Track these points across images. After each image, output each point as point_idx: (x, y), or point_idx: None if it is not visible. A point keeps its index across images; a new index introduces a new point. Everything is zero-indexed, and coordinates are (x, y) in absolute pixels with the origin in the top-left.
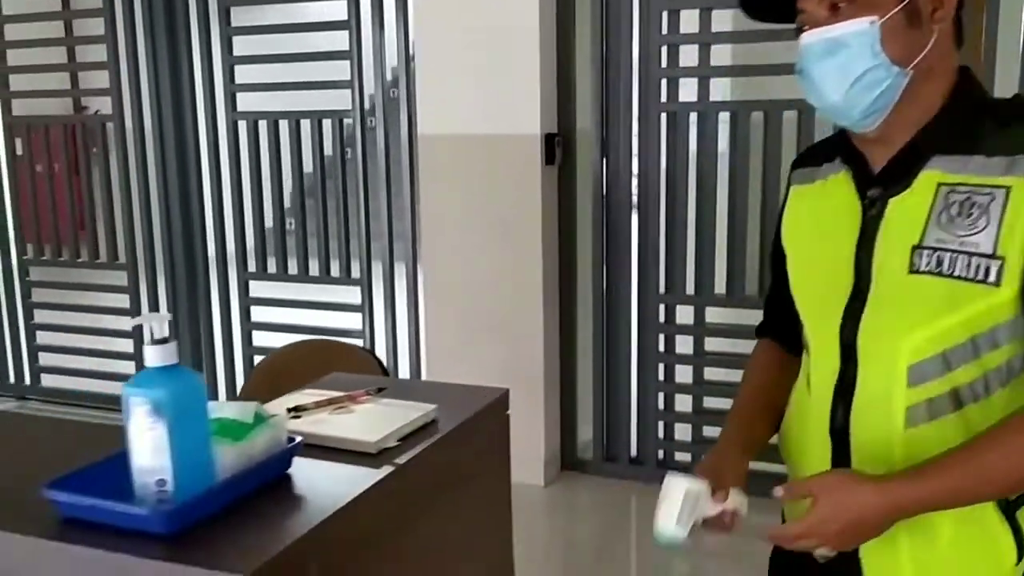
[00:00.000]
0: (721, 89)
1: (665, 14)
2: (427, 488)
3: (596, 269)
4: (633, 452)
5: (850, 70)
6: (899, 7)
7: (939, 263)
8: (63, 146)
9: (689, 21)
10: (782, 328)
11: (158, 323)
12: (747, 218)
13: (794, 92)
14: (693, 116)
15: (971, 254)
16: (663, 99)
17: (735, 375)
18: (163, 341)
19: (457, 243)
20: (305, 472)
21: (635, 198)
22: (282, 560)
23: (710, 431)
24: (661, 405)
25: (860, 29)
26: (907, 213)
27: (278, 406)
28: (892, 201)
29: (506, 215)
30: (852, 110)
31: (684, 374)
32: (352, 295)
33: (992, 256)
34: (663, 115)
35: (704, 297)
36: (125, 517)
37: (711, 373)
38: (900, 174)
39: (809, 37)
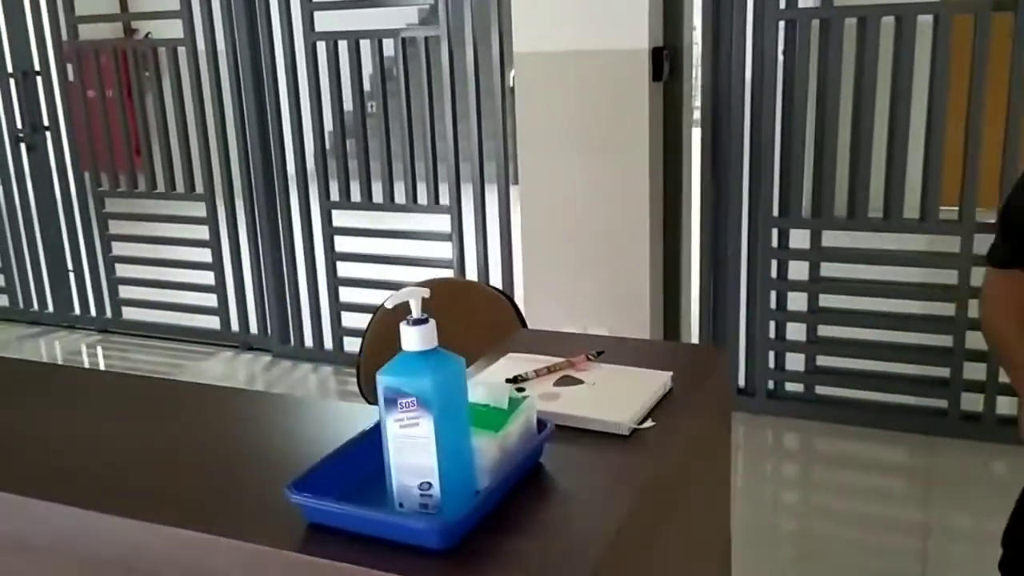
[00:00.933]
0: None
1: None
2: (681, 471)
3: (705, 191)
4: (741, 383)
5: None
6: None
7: None
8: (115, 71)
9: None
10: None
11: (415, 300)
12: (872, 136)
13: None
14: (815, 24)
15: None
16: (781, 5)
17: (852, 302)
18: (423, 321)
19: (556, 166)
20: (555, 461)
21: (748, 115)
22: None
23: (824, 360)
24: (772, 334)
25: None
26: None
27: (490, 375)
28: None
29: (609, 136)
30: None
31: (798, 302)
32: (440, 223)
33: None
34: (781, 23)
35: (822, 220)
36: (394, 529)
37: (827, 300)
38: None
39: None
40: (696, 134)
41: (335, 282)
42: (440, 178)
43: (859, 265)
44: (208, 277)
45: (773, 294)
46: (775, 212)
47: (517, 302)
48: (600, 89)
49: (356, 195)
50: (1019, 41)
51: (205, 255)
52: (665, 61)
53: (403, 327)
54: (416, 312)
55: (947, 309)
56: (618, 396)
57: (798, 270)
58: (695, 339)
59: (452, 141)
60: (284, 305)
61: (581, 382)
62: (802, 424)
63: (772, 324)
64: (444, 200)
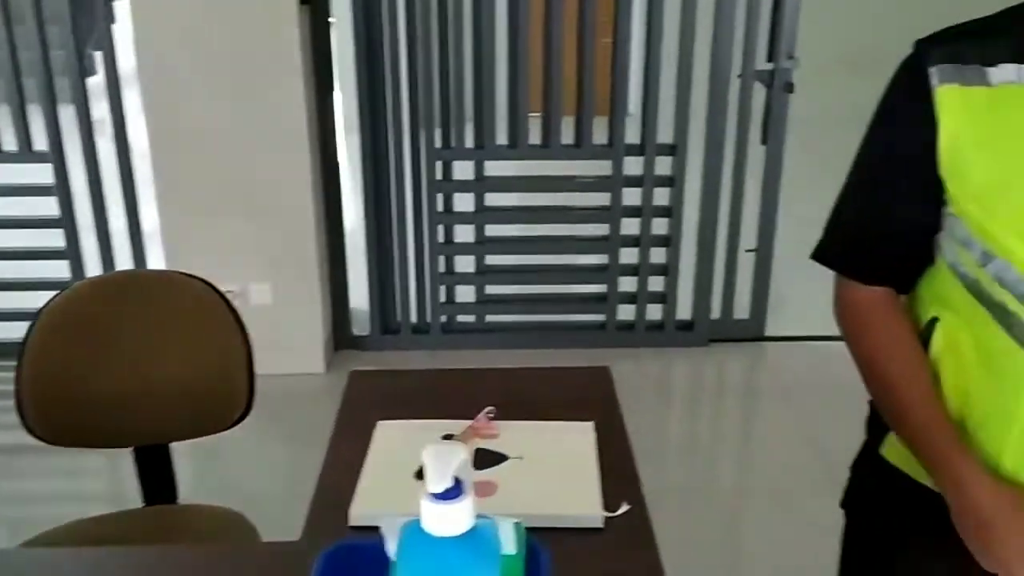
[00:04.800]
0: None
1: None
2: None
3: (363, 127)
4: (413, 319)
5: None
6: None
7: None
8: None
9: None
10: (900, 265)
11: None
12: (528, 63)
13: None
14: None
15: None
16: None
17: (516, 229)
18: (455, 492)
19: (194, 105)
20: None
21: (404, 45)
22: None
23: (493, 289)
24: (442, 268)
25: None
26: None
27: (390, 467)
28: None
29: (256, 68)
30: None
31: (465, 233)
32: (40, 175)
33: None
34: None
35: (485, 151)
36: None
37: (492, 230)
38: None
39: None
40: (348, 65)
41: None
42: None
43: (518, 194)
44: None
45: (440, 228)
46: (438, 144)
47: (159, 260)
48: (242, 17)
49: None
50: None
51: None
52: None
53: (425, 503)
54: (446, 478)
55: (602, 229)
56: (561, 471)
57: (461, 202)
58: (364, 282)
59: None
60: None
61: (504, 456)
62: (477, 354)
63: (441, 259)
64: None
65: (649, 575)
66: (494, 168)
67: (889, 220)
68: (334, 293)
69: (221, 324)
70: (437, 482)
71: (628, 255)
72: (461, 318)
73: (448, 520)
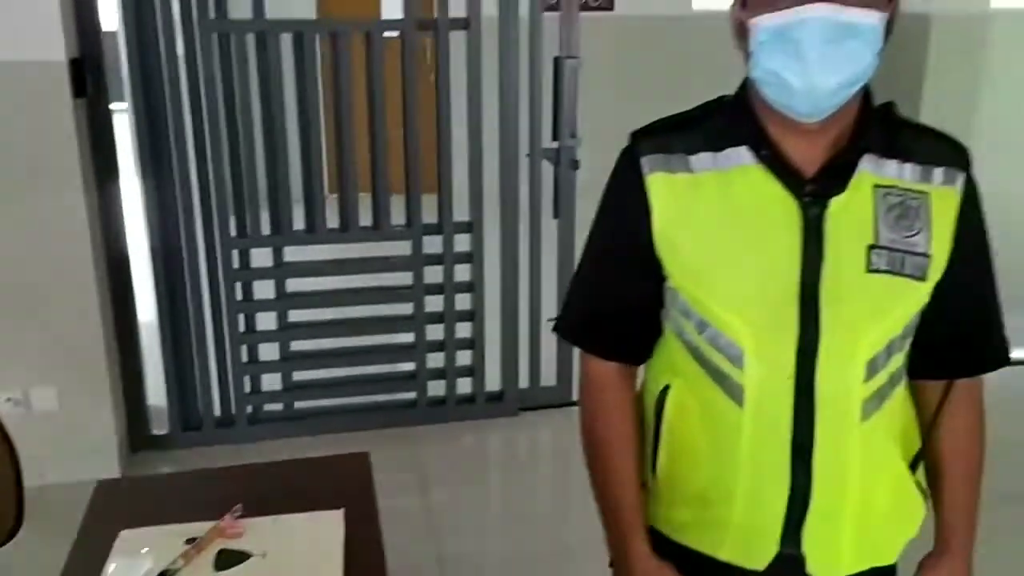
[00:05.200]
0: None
1: None
2: None
3: (150, 218)
4: (216, 413)
5: (856, 59)
6: (889, 10)
7: (893, 262)
8: None
9: None
10: (628, 340)
11: None
12: (321, 150)
13: None
14: (250, 38)
15: (915, 254)
16: (211, 15)
17: (320, 313)
18: None
19: None
20: None
21: (190, 134)
22: None
23: (300, 375)
24: (245, 357)
25: (874, 23)
26: (852, 213)
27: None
28: (834, 201)
29: (32, 163)
30: (833, 97)
31: (267, 320)
32: None
33: (926, 255)
34: (214, 36)
35: (283, 236)
36: None
37: (296, 315)
38: (836, 174)
39: (822, 11)
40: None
41: None
42: None
43: (320, 278)
44: None
45: (241, 317)
46: (233, 232)
47: None
48: (11, 108)
49: None
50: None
51: None
52: (87, 74)
53: None
54: None
55: (406, 309)
56: (305, 567)
57: (262, 290)
58: (161, 381)
59: None
60: None
61: (247, 555)
62: (287, 444)
63: (244, 348)
64: None
65: None
66: (293, 253)
67: (617, 298)
68: (127, 391)
69: None
70: None
71: (434, 331)
72: (268, 407)
73: None
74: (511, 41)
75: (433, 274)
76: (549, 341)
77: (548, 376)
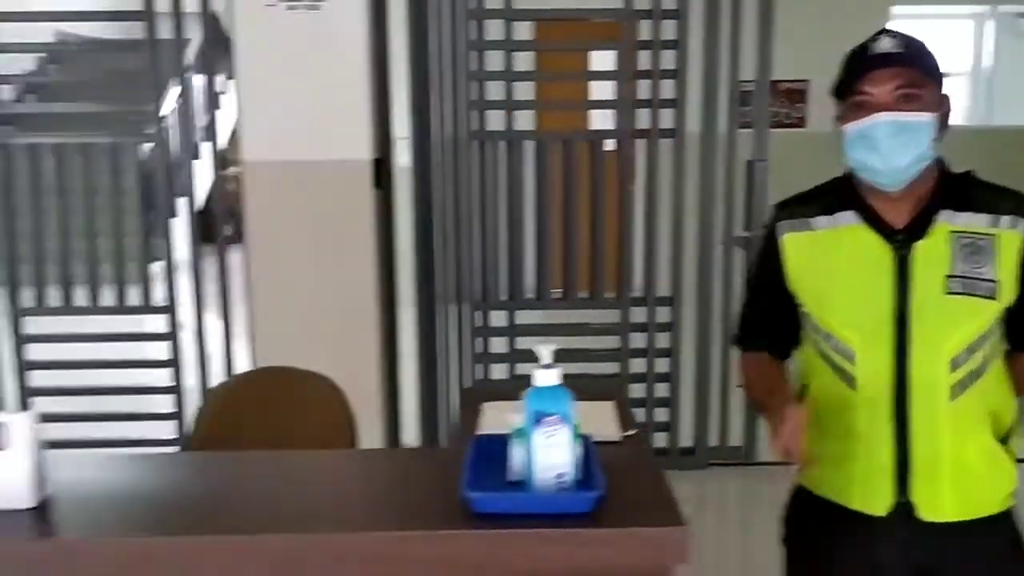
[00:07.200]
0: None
1: (474, 54)
2: None
3: (419, 289)
4: None
5: (916, 145)
6: (941, 112)
7: (967, 287)
8: None
9: (494, 58)
10: (776, 342)
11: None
12: (550, 234)
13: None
14: (502, 144)
15: (983, 280)
16: (473, 127)
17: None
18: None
19: (286, 270)
20: None
21: (451, 221)
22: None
23: None
24: None
25: (927, 121)
26: (933, 253)
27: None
28: (917, 245)
29: (337, 240)
30: (905, 173)
31: (500, 371)
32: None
33: (993, 280)
34: (475, 142)
35: (516, 302)
36: (549, 503)
37: (523, 368)
38: (919, 225)
39: (886, 117)
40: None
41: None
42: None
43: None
44: None
45: (480, 367)
46: (477, 296)
47: None
48: (326, 197)
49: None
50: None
51: None
52: (383, 170)
53: (538, 371)
54: (548, 358)
55: (613, 368)
56: (590, 416)
57: (496, 345)
58: (416, 419)
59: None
60: None
61: None
62: None
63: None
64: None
65: None
66: (523, 316)
67: (767, 317)
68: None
69: None
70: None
71: (637, 390)
72: None
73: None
74: (711, 149)
75: (637, 340)
76: (738, 404)
77: (735, 436)
